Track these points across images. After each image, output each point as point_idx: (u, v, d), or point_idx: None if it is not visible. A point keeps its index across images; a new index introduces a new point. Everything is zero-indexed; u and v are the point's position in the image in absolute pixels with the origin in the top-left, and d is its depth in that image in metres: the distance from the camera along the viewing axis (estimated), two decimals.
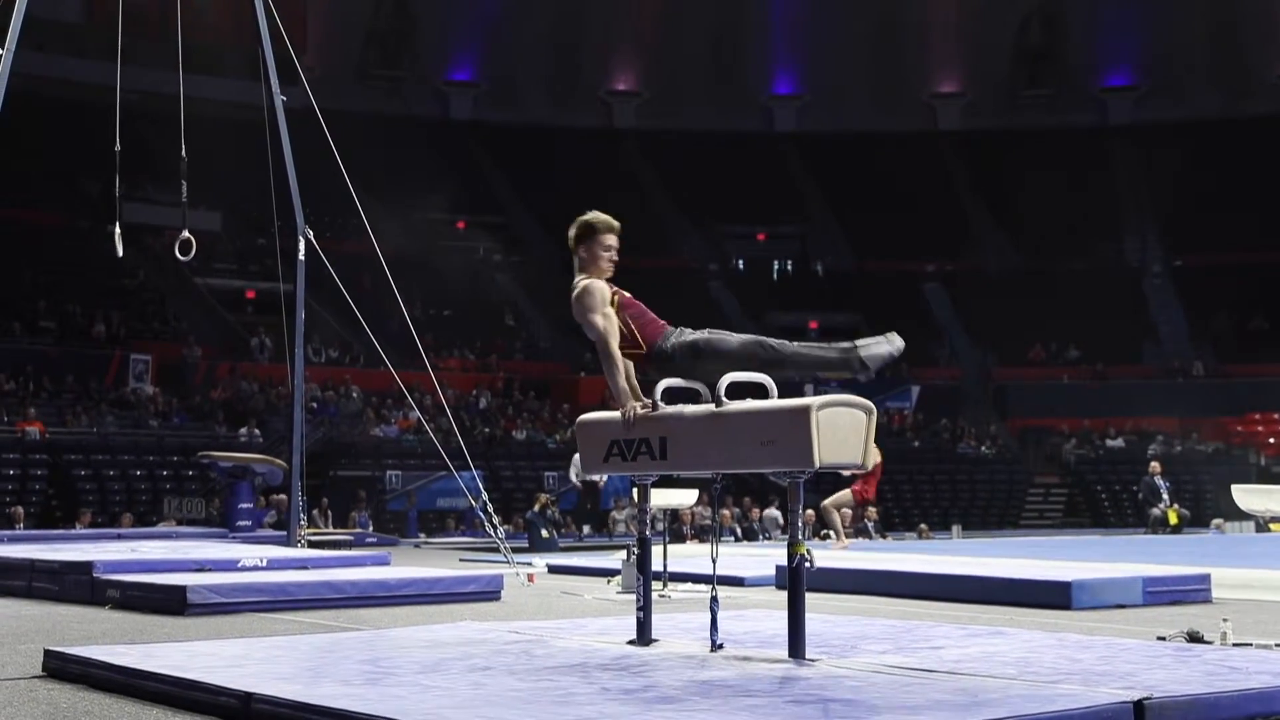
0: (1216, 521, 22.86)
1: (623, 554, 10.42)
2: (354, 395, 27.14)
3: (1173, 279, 37.51)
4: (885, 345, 5.45)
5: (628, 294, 5.69)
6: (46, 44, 31.83)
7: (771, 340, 5.50)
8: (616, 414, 5.75)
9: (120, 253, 11.44)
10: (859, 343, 5.45)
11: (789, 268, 39.97)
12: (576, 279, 5.69)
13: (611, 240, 5.72)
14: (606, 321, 5.51)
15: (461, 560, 14.58)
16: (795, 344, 5.50)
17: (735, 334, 5.62)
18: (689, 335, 5.56)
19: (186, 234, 11.53)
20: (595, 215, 5.79)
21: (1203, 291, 34.62)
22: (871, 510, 22.08)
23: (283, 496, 18.51)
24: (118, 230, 11.29)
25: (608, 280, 5.68)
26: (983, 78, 42.17)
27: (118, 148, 11.16)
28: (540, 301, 35.34)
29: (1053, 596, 8.86)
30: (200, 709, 4.72)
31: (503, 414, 28.79)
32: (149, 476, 22.70)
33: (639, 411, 5.49)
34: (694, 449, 5.53)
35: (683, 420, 5.54)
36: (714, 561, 5.93)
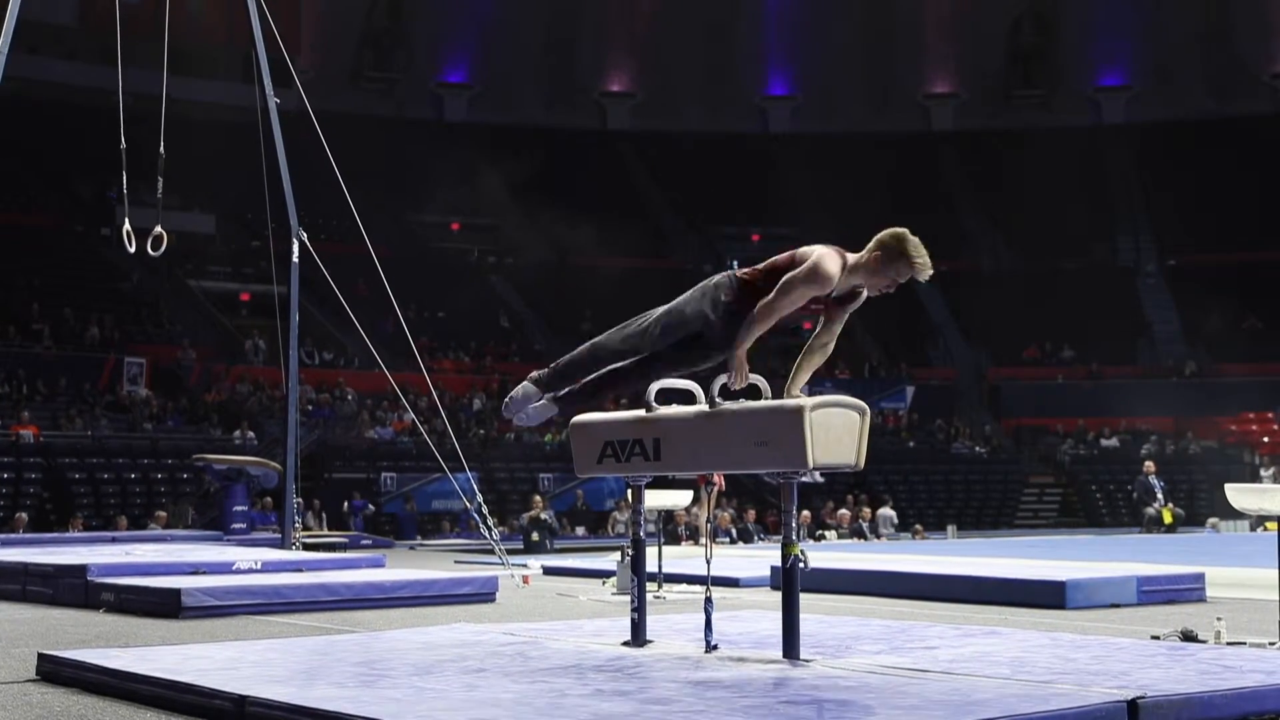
0: (1211, 521, 22.91)
1: (617, 555, 10.43)
2: (348, 397, 27.11)
3: (1166, 278, 37.55)
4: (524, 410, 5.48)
5: (828, 307, 5.31)
6: (40, 47, 31.82)
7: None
8: (612, 415, 5.76)
9: (132, 249, 11.38)
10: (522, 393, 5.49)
11: None
12: (824, 256, 5.13)
13: (904, 278, 5.22)
14: (789, 310, 5.15)
15: (456, 562, 14.58)
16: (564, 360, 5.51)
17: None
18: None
19: (159, 229, 11.48)
20: (915, 247, 5.17)
21: (1196, 291, 34.63)
22: (866, 510, 22.16)
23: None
24: (127, 225, 11.25)
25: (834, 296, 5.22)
26: (976, 78, 42.20)
27: (123, 146, 11.13)
28: (535, 303, 35.34)
29: (1047, 596, 8.88)
30: (194, 712, 4.71)
31: (497, 416, 28.78)
32: (143, 480, 22.67)
33: (748, 377, 5.18)
34: (688, 450, 5.54)
35: (676, 421, 5.54)
36: (708, 563, 5.92)
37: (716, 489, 15.34)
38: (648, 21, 41.65)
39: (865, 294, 5.31)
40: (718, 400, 5.38)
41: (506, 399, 5.49)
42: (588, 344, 5.52)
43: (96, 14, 31.45)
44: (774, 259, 5.28)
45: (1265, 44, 40.75)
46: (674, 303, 5.36)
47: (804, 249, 5.21)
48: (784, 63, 42.57)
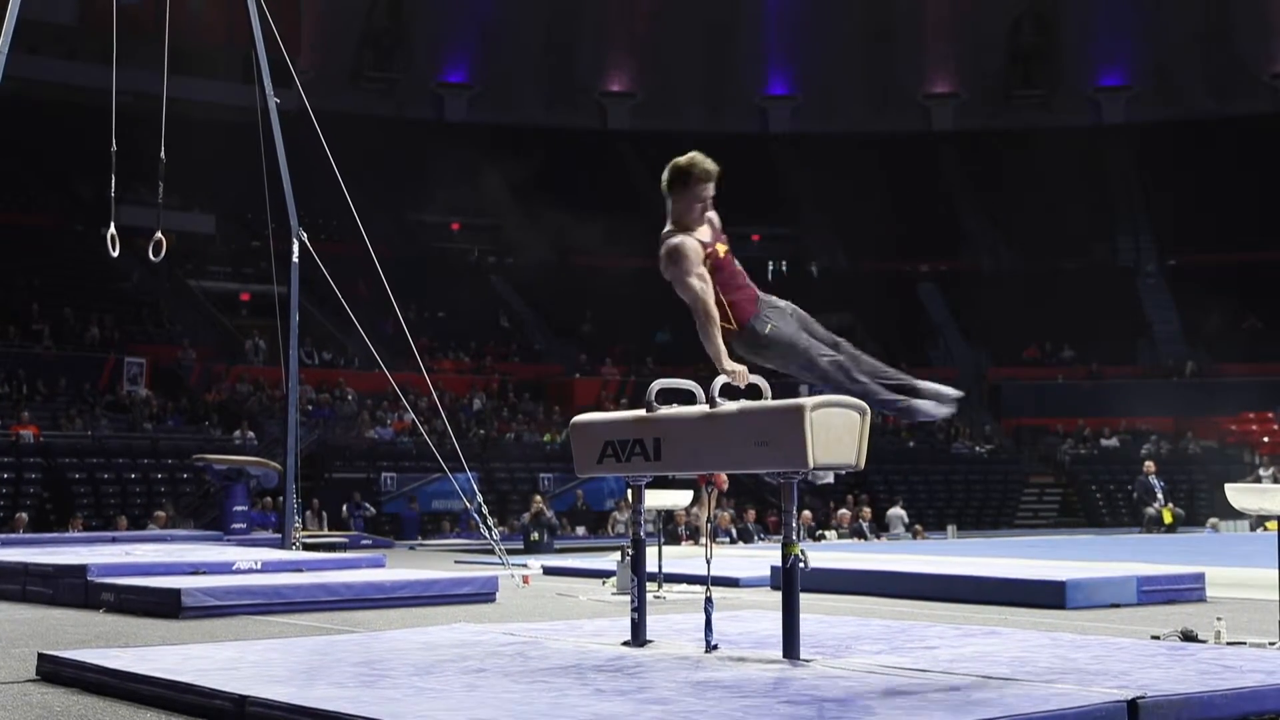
0: (1211, 521, 22.91)
1: (617, 555, 10.43)
2: (349, 397, 27.12)
3: (1166, 278, 37.55)
4: (936, 406, 5.29)
5: (724, 249, 5.38)
6: (40, 46, 31.81)
7: (856, 371, 5.27)
8: (612, 415, 5.76)
9: (115, 253, 11.42)
10: (921, 387, 5.28)
11: (783, 268, 39.93)
12: (666, 232, 5.35)
13: (708, 190, 5.38)
14: (703, 284, 5.22)
15: (456, 562, 14.58)
16: (868, 380, 5.27)
17: (827, 349, 5.31)
18: (785, 329, 5.29)
19: (159, 235, 11.53)
20: (692, 159, 5.42)
21: (1196, 291, 34.63)
22: (866, 510, 22.16)
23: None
24: (112, 230, 11.28)
25: (701, 231, 5.34)
26: (976, 78, 42.20)
27: (114, 149, 11.15)
28: (535, 303, 35.34)
29: (1047, 596, 8.88)
30: (194, 712, 4.71)
31: (497, 416, 28.79)
32: (143, 480, 22.67)
33: (739, 370, 5.23)
34: (688, 450, 5.54)
35: (676, 421, 5.54)
36: (708, 562, 5.92)
37: (717, 489, 15.34)
38: (648, 21, 41.65)
39: (714, 234, 5.43)
40: (718, 400, 5.38)
41: (927, 406, 5.31)
42: (839, 353, 5.37)
43: (96, 14, 31.41)
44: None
45: (1265, 44, 40.75)
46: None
47: (660, 258, 5.34)
48: (784, 63, 42.56)
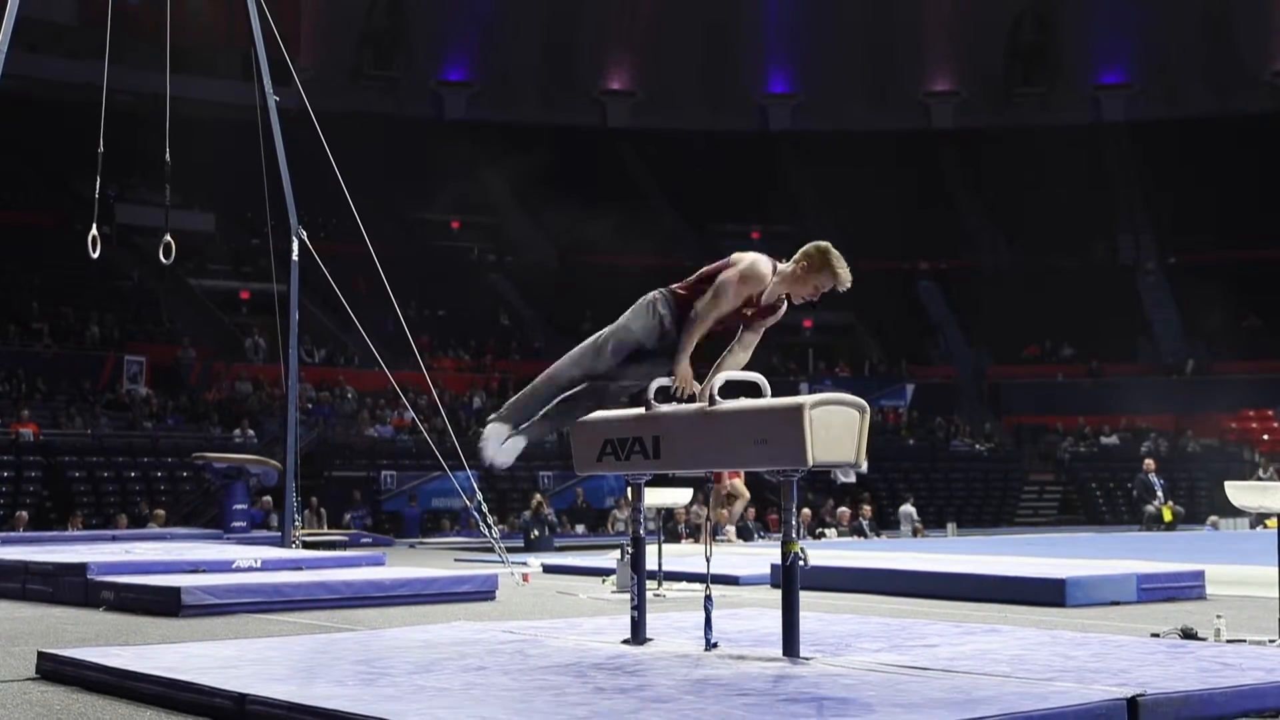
0: (1211, 518, 22.91)
1: (617, 553, 10.42)
2: (348, 396, 27.12)
3: (1166, 276, 37.55)
4: (497, 450, 5.60)
5: (753, 315, 5.55)
6: (39, 45, 31.79)
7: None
8: (612, 413, 5.77)
9: (95, 254, 11.47)
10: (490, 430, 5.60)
11: None
12: (762, 257, 5.49)
13: (826, 288, 5.51)
14: (727, 309, 5.43)
15: (456, 560, 14.58)
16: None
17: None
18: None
19: (168, 237, 11.57)
20: (838, 260, 5.48)
21: (1196, 289, 34.63)
22: (866, 508, 22.15)
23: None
24: (94, 232, 11.32)
25: (776, 286, 5.51)
26: (976, 76, 42.19)
27: (100, 150, 11.19)
28: (535, 302, 35.33)
29: (1047, 594, 8.87)
30: (194, 710, 4.71)
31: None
32: (143, 478, 22.67)
33: (693, 391, 5.45)
34: (687, 448, 5.54)
35: (676, 419, 5.55)
36: (708, 560, 5.92)
37: (718, 489, 15.25)
38: (648, 19, 41.64)
39: (786, 305, 5.60)
40: (717, 398, 5.40)
41: (480, 445, 5.66)
42: (543, 375, 5.66)
43: (96, 12, 31.39)
44: (703, 269, 5.56)
45: (1265, 42, 40.74)
46: (618, 323, 5.57)
47: (736, 255, 5.52)
48: (784, 61, 42.56)
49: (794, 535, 5.28)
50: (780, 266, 5.52)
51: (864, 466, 5.45)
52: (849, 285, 5.50)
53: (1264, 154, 37.34)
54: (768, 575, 10.27)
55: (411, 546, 19.44)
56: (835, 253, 5.49)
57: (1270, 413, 32.25)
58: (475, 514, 11.86)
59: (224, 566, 10.00)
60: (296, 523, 12.79)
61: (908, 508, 23.32)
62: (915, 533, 22.61)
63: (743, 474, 14.50)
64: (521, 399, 5.66)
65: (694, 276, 5.56)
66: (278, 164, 12.72)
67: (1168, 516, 20.49)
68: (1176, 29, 40.75)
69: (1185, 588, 9.32)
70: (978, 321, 36.26)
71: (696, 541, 17.40)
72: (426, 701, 4.35)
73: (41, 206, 31.13)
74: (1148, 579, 9.21)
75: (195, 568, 9.79)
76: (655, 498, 9.70)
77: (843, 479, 25.56)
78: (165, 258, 11.65)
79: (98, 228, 11.60)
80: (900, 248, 37.50)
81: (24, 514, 19.71)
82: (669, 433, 5.54)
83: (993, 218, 39.55)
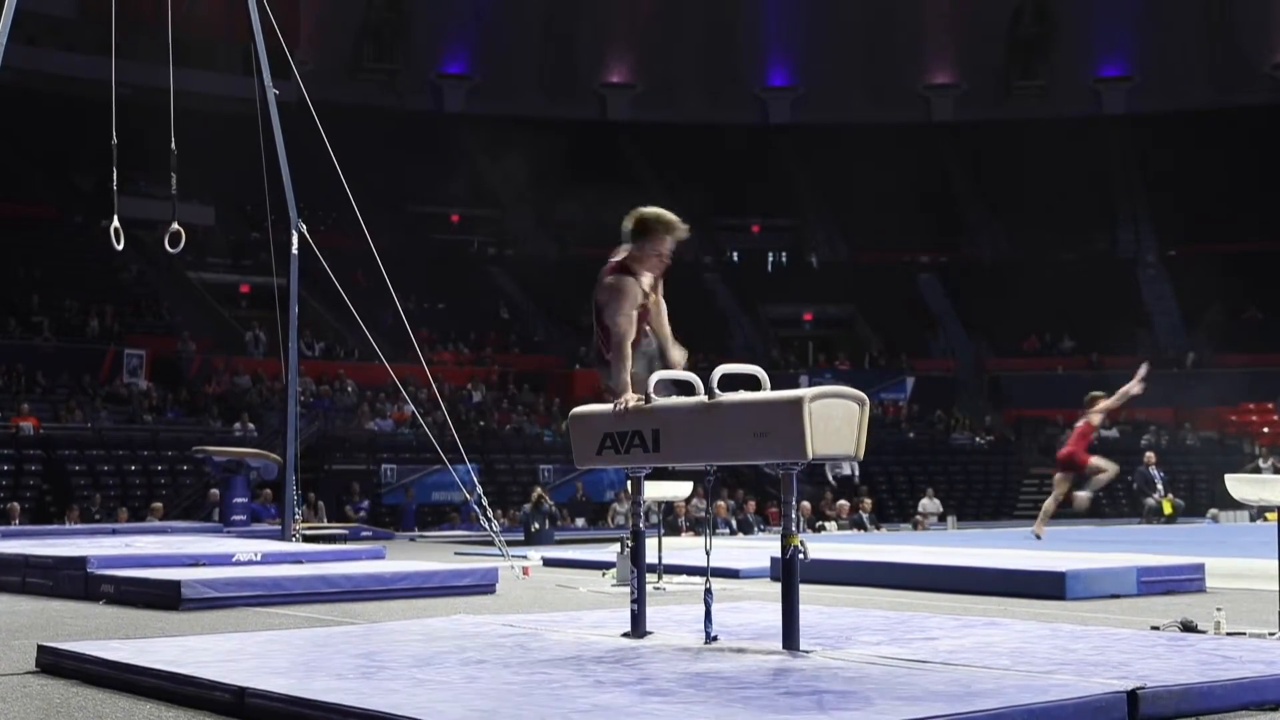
0: (1211, 511, 22.91)
1: (617, 547, 10.42)
2: (348, 389, 27.11)
3: (1166, 269, 37.54)
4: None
5: (653, 298, 5.76)
6: (39, 38, 31.77)
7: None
8: (609, 406, 5.76)
9: (119, 247, 11.43)
10: None
11: (783, 259, 39.97)
12: (614, 264, 5.70)
13: (669, 246, 5.70)
14: (629, 324, 5.60)
15: (456, 554, 14.58)
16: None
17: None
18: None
19: (176, 226, 11.55)
20: (660, 215, 5.71)
21: (1196, 282, 34.60)
22: (866, 502, 22.16)
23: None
24: (115, 224, 11.27)
25: (645, 279, 5.70)
26: (976, 69, 42.14)
27: (114, 141, 11.15)
28: (534, 295, 35.31)
29: (1047, 587, 8.88)
30: (194, 704, 4.72)
31: (497, 407, 28.79)
32: (143, 472, 22.67)
33: (631, 404, 5.56)
34: (687, 441, 5.54)
35: (675, 412, 5.54)
36: (708, 554, 5.92)
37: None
38: (648, 12, 41.58)
39: (651, 280, 5.77)
40: (717, 391, 5.40)
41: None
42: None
43: (95, 5, 31.39)
44: (595, 305, 5.74)
45: (1266, 35, 40.68)
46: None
47: (602, 284, 5.69)
48: (784, 53, 42.50)
49: (794, 528, 5.27)
50: (627, 258, 5.68)
51: (851, 472, 5.48)
52: (687, 230, 5.69)
53: (1264, 147, 37.29)
54: (768, 568, 10.27)
55: (411, 540, 19.45)
56: (654, 211, 5.68)
57: (1270, 405, 32.23)
58: (475, 507, 11.87)
59: (224, 560, 10.00)
60: (297, 516, 12.79)
61: (928, 501, 23.35)
62: (916, 525, 22.61)
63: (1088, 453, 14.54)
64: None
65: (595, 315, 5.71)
66: (277, 157, 12.71)
67: (1168, 509, 20.50)
68: (1176, 22, 40.70)
69: (1185, 581, 9.32)
70: (978, 314, 36.25)
71: (696, 534, 17.41)
72: (426, 695, 4.35)
73: (41, 199, 31.13)
74: (1148, 572, 9.21)
75: (195, 561, 9.79)
76: (655, 491, 9.70)
77: (839, 474, 25.55)
78: (173, 246, 11.63)
79: (104, 222, 11.59)
80: (900, 240, 37.48)
81: (15, 505, 19.63)
82: (668, 426, 5.53)
83: (992, 210, 39.53)
